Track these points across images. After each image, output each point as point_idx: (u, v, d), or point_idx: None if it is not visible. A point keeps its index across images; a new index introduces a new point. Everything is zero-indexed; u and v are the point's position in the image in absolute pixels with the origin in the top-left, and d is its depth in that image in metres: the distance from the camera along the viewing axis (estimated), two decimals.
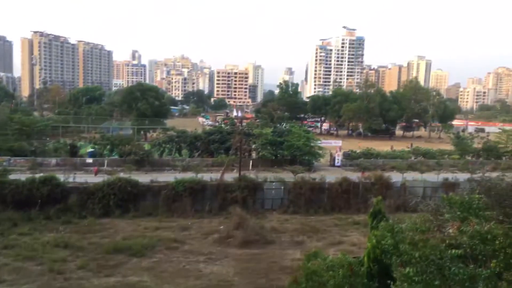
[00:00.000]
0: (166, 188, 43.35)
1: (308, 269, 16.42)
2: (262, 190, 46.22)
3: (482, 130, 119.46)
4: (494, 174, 39.93)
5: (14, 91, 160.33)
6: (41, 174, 43.74)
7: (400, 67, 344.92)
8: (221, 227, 37.72)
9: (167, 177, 47.55)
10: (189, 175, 47.59)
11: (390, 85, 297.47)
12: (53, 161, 57.65)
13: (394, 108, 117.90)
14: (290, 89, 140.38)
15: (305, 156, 61.20)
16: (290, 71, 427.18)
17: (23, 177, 42.95)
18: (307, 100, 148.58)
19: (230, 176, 47.46)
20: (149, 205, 42.83)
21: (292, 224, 40.47)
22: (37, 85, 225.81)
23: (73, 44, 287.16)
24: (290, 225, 40.16)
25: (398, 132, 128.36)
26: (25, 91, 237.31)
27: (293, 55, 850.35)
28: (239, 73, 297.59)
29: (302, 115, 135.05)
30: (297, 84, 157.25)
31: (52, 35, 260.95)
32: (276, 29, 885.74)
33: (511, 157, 71.64)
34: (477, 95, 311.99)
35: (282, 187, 46.60)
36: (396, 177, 50.41)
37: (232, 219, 37.70)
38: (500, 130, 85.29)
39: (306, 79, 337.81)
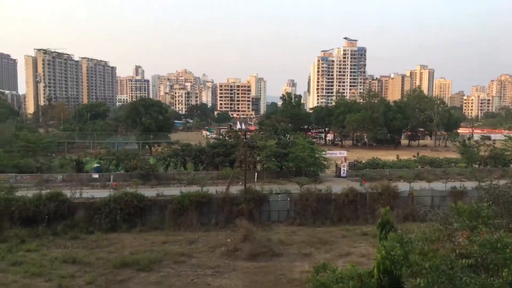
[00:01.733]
0: (172, 202, 43.37)
1: (317, 282, 16.33)
2: (268, 202, 46.15)
3: (488, 138, 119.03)
4: (502, 182, 39.71)
5: (19, 109, 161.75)
6: (48, 191, 43.91)
7: (403, 77, 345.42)
8: (228, 240, 37.62)
9: (172, 190, 47.63)
10: (194, 188, 47.63)
11: (393, 95, 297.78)
12: (59, 177, 57.86)
13: (399, 117, 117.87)
14: (293, 100, 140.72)
15: (310, 167, 61.14)
16: (292, 83, 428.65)
17: (29, 193, 43.15)
18: (311, 111, 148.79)
19: (236, 189, 47.45)
20: (155, 219, 42.88)
21: (299, 236, 40.31)
22: (42, 102, 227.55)
23: (76, 61, 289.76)
24: (297, 237, 40.00)
25: (404, 141, 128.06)
26: (30, 108, 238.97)
27: (295, 67, 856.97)
28: (242, 86, 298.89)
29: (305, 126, 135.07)
30: (300, 96, 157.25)
31: (56, 52, 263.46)
32: (278, 42, 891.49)
33: None
34: (481, 103, 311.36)
35: (288, 199, 46.51)
36: (403, 186, 50.22)
37: (238, 231, 37.61)
38: (506, 138, 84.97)
39: (308, 90, 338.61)
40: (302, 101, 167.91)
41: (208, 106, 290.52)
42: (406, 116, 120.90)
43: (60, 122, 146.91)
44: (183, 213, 42.82)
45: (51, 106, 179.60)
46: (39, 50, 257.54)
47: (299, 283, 28.54)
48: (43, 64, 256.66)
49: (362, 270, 16.04)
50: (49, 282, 28.00)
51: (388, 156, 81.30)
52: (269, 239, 37.11)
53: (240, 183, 50.77)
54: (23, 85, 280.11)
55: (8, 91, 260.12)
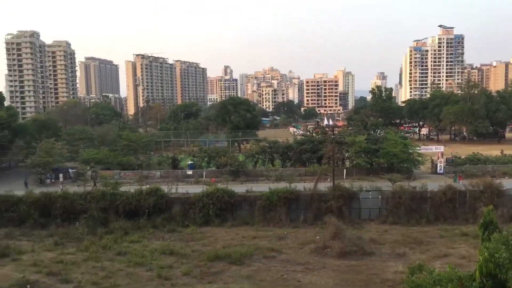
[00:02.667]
0: (261, 198, 44.13)
1: (412, 283, 15.52)
2: (358, 199, 45.00)
3: None
4: None
5: (121, 111, 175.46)
6: (147, 186, 47.13)
7: (506, 64, 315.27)
8: (317, 237, 37.39)
9: (261, 187, 48.45)
10: (282, 185, 48.00)
11: (495, 84, 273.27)
12: (157, 173, 61.84)
13: (503, 109, 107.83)
14: (383, 94, 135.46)
15: (403, 164, 58.53)
16: (382, 76, 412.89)
17: (131, 189, 46.67)
18: (403, 104, 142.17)
19: (324, 186, 46.94)
20: (245, 215, 43.99)
21: (392, 235, 38.77)
22: (141, 104, 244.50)
23: (171, 64, 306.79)
24: (390, 236, 38.52)
25: (508, 134, 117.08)
26: (130, 110, 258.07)
27: (385, 59, 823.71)
28: (329, 81, 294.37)
29: (397, 121, 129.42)
30: (390, 89, 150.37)
31: (152, 56, 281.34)
32: (366, 34, 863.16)
33: None
34: None
35: (380, 196, 44.93)
36: (508, 184, 45.97)
37: (328, 229, 37.17)
38: None
39: (400, 82, 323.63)
40: (393, 94, 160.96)
41: (295, 103, 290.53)
42: (511, 108, 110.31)
43: (157, 122, 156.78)
44: (272, 209, 43.37)
45: (149, 107, 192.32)
46: (137, 55, 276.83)
47: (393, 284, 27.49)
48: (141, 68, 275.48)
49: (462, 272, 14.97)
50: (149, 272, 30.04)
51: (490, 151, 74.92)
52: (359, 237, 36.20)
53: (329, 179, 50.14)
54: (125, 89, 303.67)
55: (111, 95, 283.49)
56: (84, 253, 34.27)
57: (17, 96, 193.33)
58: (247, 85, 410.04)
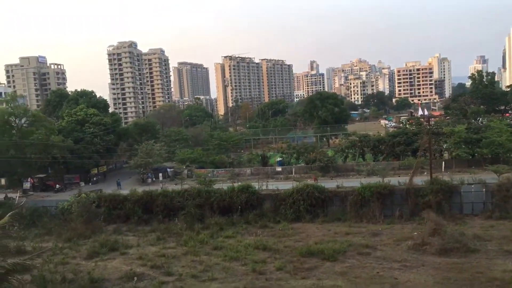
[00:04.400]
0: (352, 194, 43.15)
1: None
2: (459, 193, 42.04)
3: None
4: None
5: (212, 111, 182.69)
6: (239, 183, 48.47)
7: None
8: (415, 233, 35.57)
9: (352, 182, 47.36)
10: (374, 179, 46.48)
11: None
12: (248, 171, 63.38)
13: None
14: (484, 79, 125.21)
15: (510, 154, 53.46)
16: (482, 60, 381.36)
17: (224, 186, 48.32)
18: (507, 89, 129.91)
19: (420, 180, 44.51)
20: (337, 210, 43.31)
21: (499, 230, 35.60)
22: (230, 104, 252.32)
23: (257, 63, 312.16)
24: (496, 232, 35.42)
25: None
26: (220, 110, 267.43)
27: (485, 41, 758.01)
28: (422, 69, 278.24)
29: (501, 107, 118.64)
30: (493, 73, 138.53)
31: (240, 57, 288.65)
32: (461, 17, 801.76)
33: None
34: None
35: (484, 190, 41.56)
36: None
37: (426, 225, 35.20)
38: None
39: (503, 66, 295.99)
40: (496, 79, 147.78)
41: (386, 94, 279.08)
42: None
43: (246, 120, 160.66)
44: (365, 204, 42.18)
45: (238, 107, 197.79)
46: (225, 57, 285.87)
47: (501, 283, 25.26)
48: (229, 69, 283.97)
49: None
50: (244, 266, 30.85)
51: None
52: (462, 234, 33.77)
53: (425, 173, 47.51)
54: (214, 90, 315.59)
55: (202, 97, 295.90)
56: (184, 248, 36.19)
57: (119, 103, 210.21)
58: (334, 79, 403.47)
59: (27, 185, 62.35)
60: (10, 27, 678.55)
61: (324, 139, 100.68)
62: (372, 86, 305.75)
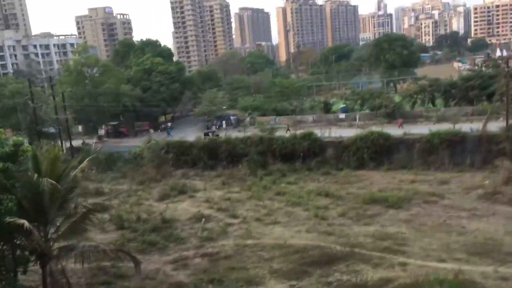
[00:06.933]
0: (420, 141, 41.60)
1: None
2: None
3: None
4: None
5: (273, 58, 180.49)
6: (301, 131, 48.36)
7: None
8: (486, 181, 33.97)
9: (420, 129, 45.52)
10: (444, 126, 44.30)
11: None
12: (310, 118, 62.82)
13: None
14: None
15: None
16: None
17: (286, 134, 48.39)
18: None
19: (495, 126, 41.75)
20: (402, 158, 42.14)
21: None
22: (292, 50, 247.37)
23: (320, 5, 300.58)
24: None
25: None
26: (282, 57, 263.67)
27: None
28: (502, 6, 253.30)
29: None
30: None
31: (302, 0, 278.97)
32: None
33: None
34: None
35: None
36: None
37: (499, 173, 33.43)
38: None
39: None
40: None
41: (460, 35, 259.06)
42: None
43: (308, 66, 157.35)
44: (433, 152, 40.61)
45: (300, 52, 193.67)
46: (287, 0, 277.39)
47: None
48: (291, 13, 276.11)
49: None
50: (307, 212, 31.40)
51: None
52: None
53: (501, 119, 44.38)
54: (276, 36, 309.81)
55: (263, 43, 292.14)
56: (247, 192, 37.37)
57: (183, 51, 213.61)
58: (403, 19, 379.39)
59: (101, 132, 66.62)
60: None
61: (391, 84, 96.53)
62: (445, 26, 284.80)
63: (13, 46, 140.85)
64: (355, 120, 57.17)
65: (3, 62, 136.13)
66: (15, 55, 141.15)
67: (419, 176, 38.11)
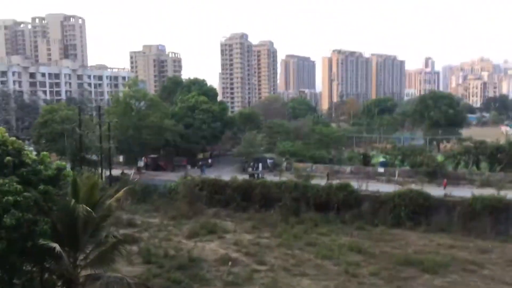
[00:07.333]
0: (461, 204, 39.98)
1: None
2: None
3: None
4: None
5: (315, 105, 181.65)
6: (337, 181, 47.61)
7: None
8: None
9: (462, 192, 43.79)
10: (488, 191, 42.42)
11: None
12: (348, 169, 61.82)
13: None
14: None
15: None
16: None
17: (322, 182, 47.82)
18: None
19: None
20: (442, 221, 40.46)
21: None
22: (335, 99, 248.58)
23: (367, 58, 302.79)
24: None
25: None
26: (324, 105, 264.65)
27: None
28: None
29: None
30: None
31: (348, 51, 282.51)
32: None
33: None
34: None
35: None
36: None
37: None
38: None
39: None
40: None
41: (510, 98, 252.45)
42: None
43: (350, 117, 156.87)
44: (475, 217, 38.81)
45: (343, 102, 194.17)
46: (334, 51, 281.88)
47: None
48: (337, 63, 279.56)
49: None
50: (337, 266, 30.34)
51: None
52: None
53: None
54: (320, 84, 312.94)
55: (307, 90, 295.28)
56: (277, 239, 36.71)
57: (227, 92, 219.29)
58: (451, 78, 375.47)
59: (141, 163, 68.09)
60: (135, 16, 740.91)
61: (434, 143, 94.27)
62: (495, 88, 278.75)
63: (69, 75, 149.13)
64: (394, 175, 55.78)
65: (58, 89, 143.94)
66: (70, 83, 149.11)
67: (458, 241, 36.33)
